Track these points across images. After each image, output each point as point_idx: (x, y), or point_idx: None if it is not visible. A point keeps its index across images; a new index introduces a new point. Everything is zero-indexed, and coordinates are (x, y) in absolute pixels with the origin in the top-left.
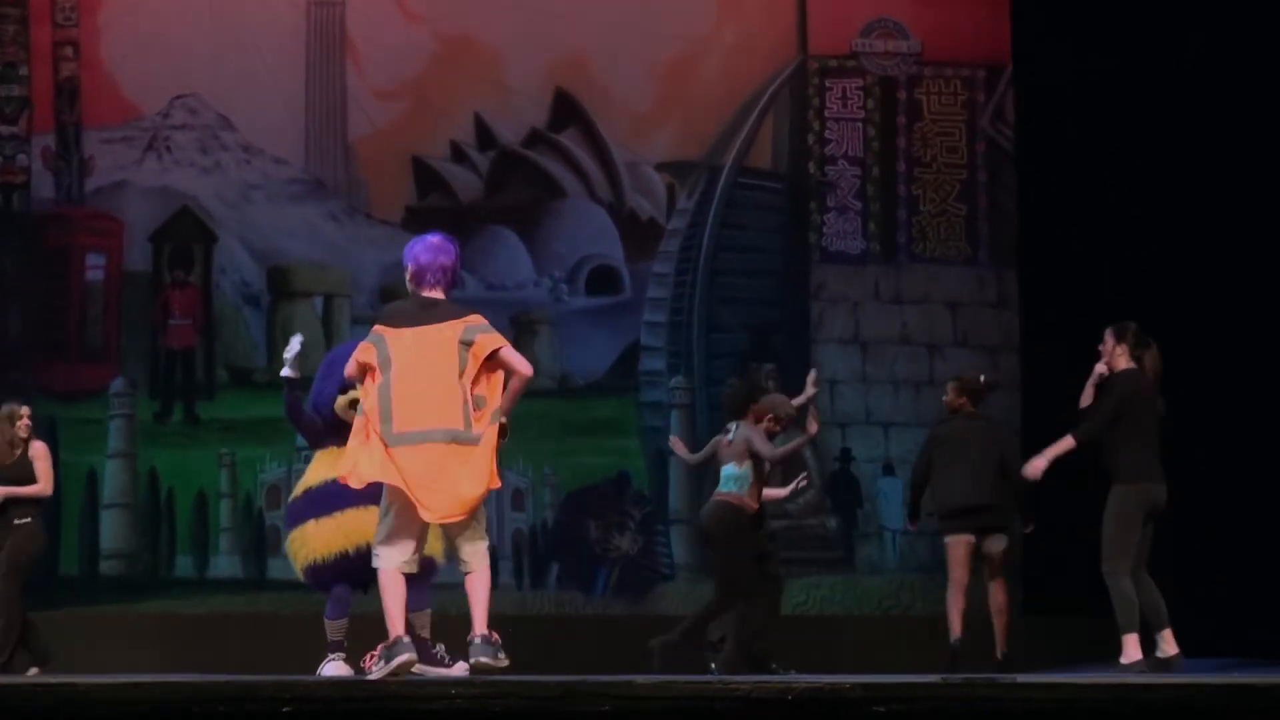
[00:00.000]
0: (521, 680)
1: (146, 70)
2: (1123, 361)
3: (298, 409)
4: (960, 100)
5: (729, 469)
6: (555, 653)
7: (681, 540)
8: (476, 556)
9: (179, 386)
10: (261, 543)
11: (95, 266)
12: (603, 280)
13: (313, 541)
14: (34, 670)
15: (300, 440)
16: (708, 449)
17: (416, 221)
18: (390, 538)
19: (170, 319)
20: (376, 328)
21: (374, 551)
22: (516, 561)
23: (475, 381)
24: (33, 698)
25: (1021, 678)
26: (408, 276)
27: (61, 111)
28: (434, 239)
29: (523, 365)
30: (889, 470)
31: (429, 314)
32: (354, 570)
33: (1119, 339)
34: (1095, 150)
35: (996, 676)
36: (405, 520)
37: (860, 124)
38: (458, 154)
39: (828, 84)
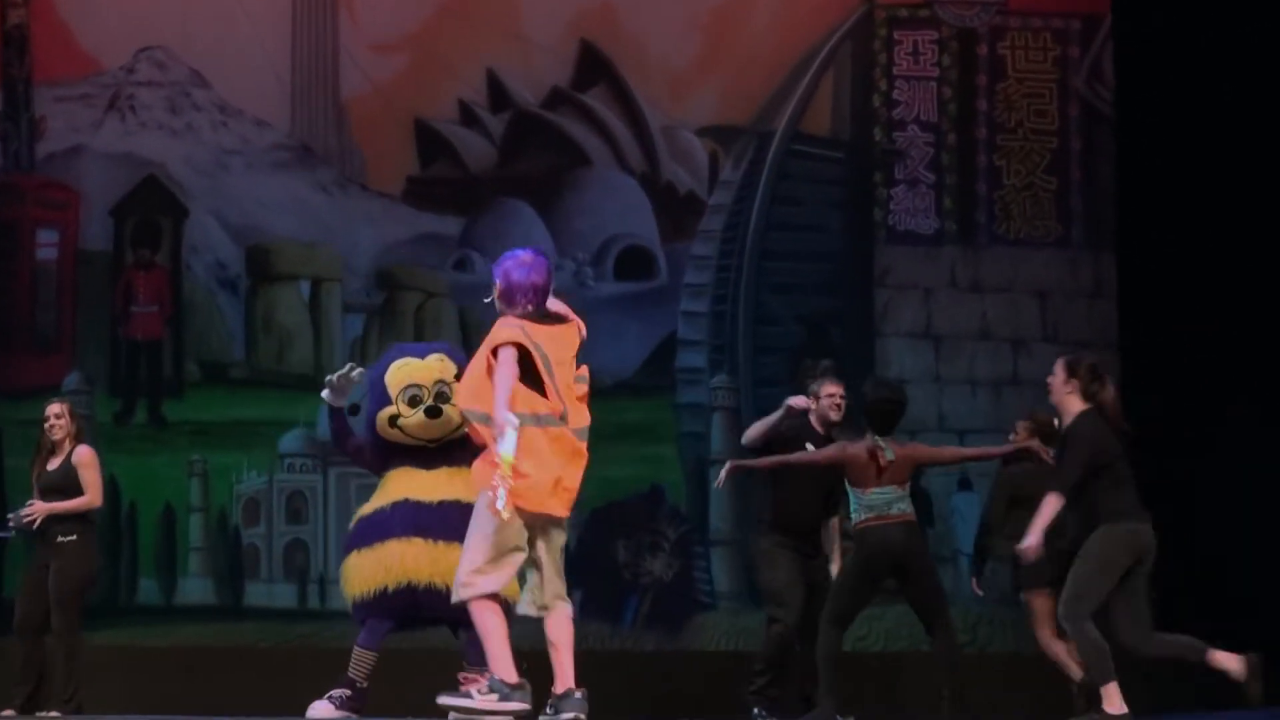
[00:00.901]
0: None
1: (107, 18)
2: (1075, 403)
3: (346, 435)
4: (1050, 56)
5: (890, 492)
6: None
7: (723, 565)
8: (563, 592)
9: (143, 383)
10: (238, 564)
11: (47, 244)
12: (634, 263)
13: (353, 575)
14: (9, 713)
15: (284, 446)
16: (832, 451)
17: (418, 194)
18: (497, 559)
19: (133, 305)
20: (515, 319)
21: (467, 579)
22: None
23: None
24: None
25: None
26: (496, 293)
27: (9, 65)
28: (525, 255)
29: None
30: (965, 485)
31: (552, 318)
32: (394, 609)
33: (1070, 374)
34: (1206, 114)
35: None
36: (518, 540)
37: (934, 84)
38: (467, 116)
39: (897, 37)
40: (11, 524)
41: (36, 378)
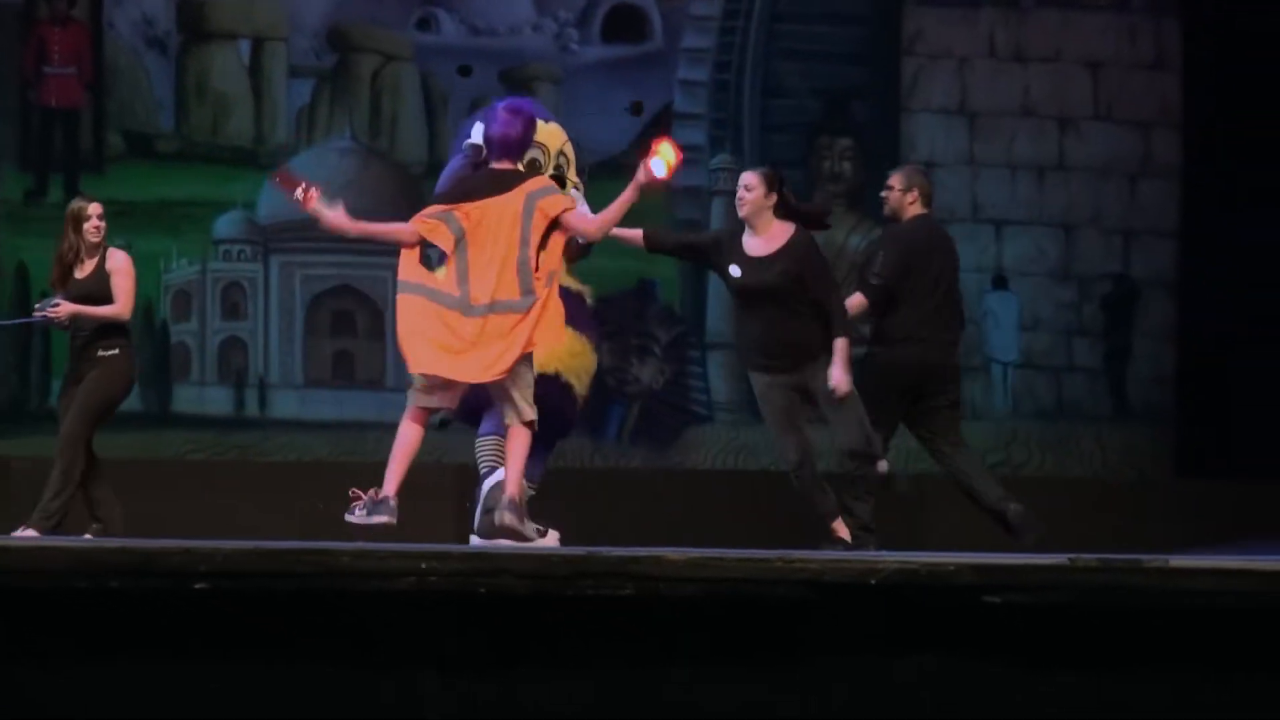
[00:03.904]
0: (517, 553)
1: None
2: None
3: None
4: None
5: None
6: (557, 517)
7: (721, 371)
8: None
9: (58, 156)
10: (165, 365)
11: None
12: (624, 23)
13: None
14: (96, 527)
15: (219, 230)
16: None
17: None
18: (428, 389)
19: (46, 66)
20: (439, 206)
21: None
22: None
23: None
24: None
25: (1176, 560)
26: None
27: None
28: (502, 109)
29: (588, 227)
30: (1001, 283)
31: (494, 187)
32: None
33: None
34: None
35: (1144, 559)
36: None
37: None
38: None
39: None
40: (37, 311)
41: None
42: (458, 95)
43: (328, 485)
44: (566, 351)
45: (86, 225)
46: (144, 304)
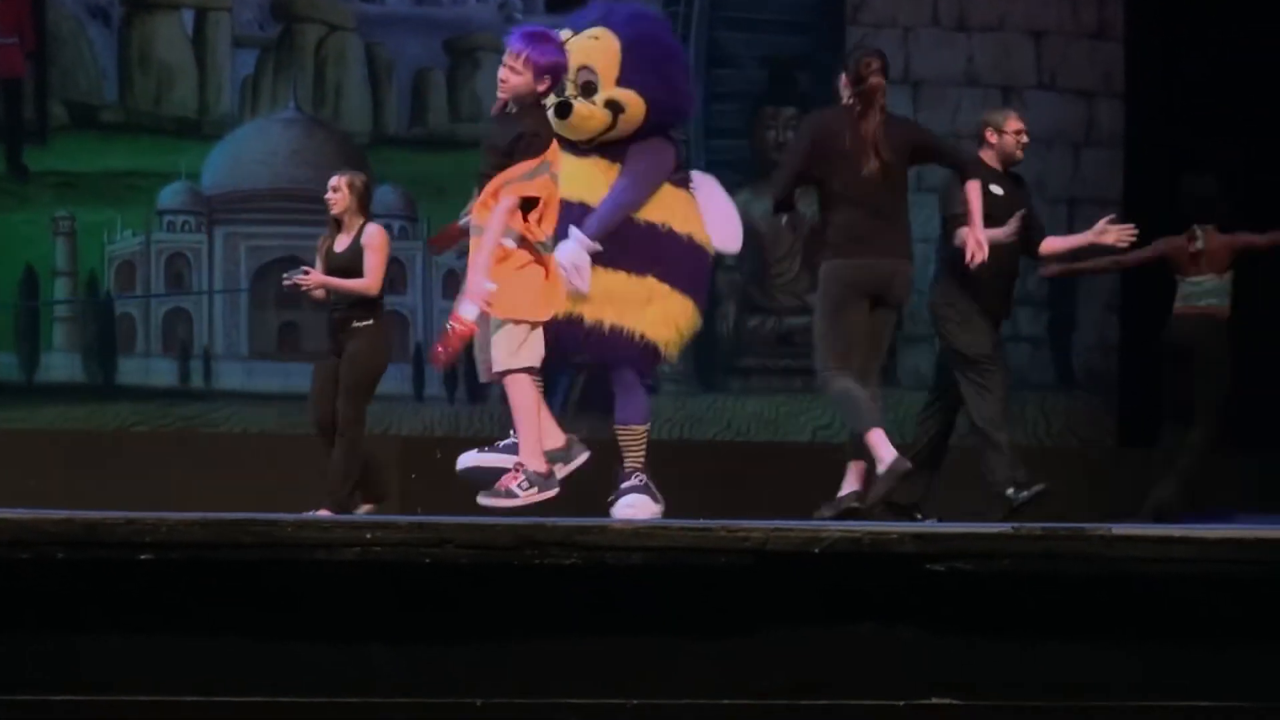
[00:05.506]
0: (462, 523)
1: None
2: None
3: None
4: None
5: (1209, 282)
6: None
7: None
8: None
9: (0, 127)
10: (110, 337)
11: None
12: None
13: None
14: (367, 507)
15: (164, 200)
16: (1153, 250)
17: None
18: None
19: None
20: (533, 162)
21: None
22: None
23: None
24: None
25: (1119, 528)
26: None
27: None
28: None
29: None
30: None
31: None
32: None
33: None
34: None
35: (1086, 527)
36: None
37: None
38: None
39: None
40: (286, 279)
41: None
42: (402, 65)
43: (273, 457)
44: (678, 311)
45: (331, 196)
46: (88, 275)
